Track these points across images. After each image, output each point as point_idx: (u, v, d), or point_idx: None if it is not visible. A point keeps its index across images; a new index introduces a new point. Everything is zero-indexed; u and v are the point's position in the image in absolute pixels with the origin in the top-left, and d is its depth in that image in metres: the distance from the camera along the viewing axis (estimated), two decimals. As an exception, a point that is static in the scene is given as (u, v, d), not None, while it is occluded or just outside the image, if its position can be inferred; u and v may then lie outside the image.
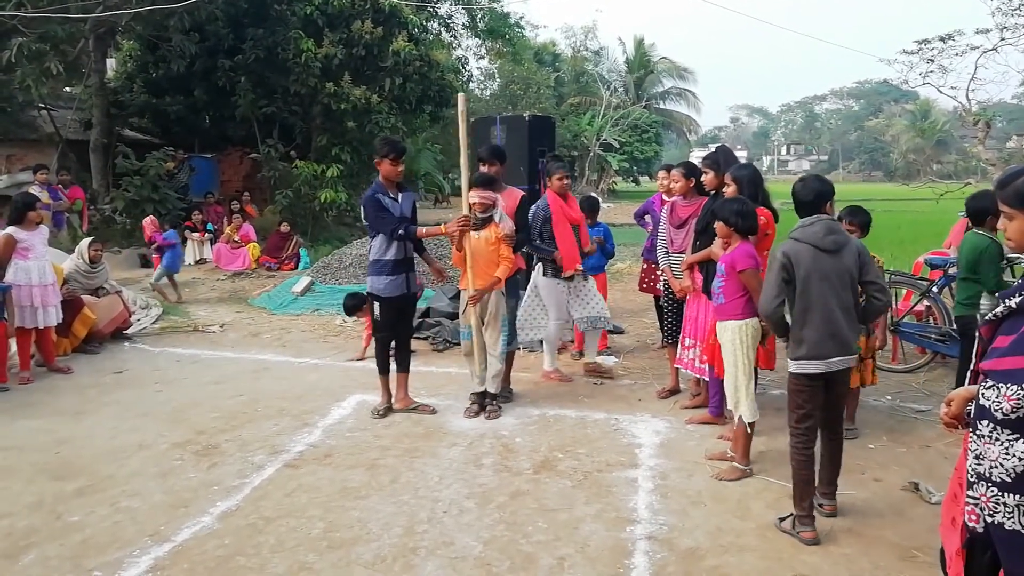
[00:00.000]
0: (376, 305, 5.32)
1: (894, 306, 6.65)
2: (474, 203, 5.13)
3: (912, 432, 5.01)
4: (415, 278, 5.42)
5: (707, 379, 5.20)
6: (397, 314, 5.36)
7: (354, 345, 7.33)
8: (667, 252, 5.58)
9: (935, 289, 6.32)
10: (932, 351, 6.38)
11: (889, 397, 5.77)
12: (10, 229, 6.38)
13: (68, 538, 3.58)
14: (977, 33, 13.78)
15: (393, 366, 5.44)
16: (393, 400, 5.44)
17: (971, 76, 13.55)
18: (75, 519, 3.77)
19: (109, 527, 3.68)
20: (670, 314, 5.75)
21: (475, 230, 5.17)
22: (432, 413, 5.39)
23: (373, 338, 5.56)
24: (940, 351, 6.27)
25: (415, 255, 5.50)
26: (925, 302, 6.50)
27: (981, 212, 4.73)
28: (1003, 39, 13.16)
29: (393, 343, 5.45)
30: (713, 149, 5.78)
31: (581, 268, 6.01)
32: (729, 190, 4.70)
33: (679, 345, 5.39)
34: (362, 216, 5.38)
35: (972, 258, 4.73)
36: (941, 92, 14.52)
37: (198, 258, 13.79)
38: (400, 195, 5.29)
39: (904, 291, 6.89)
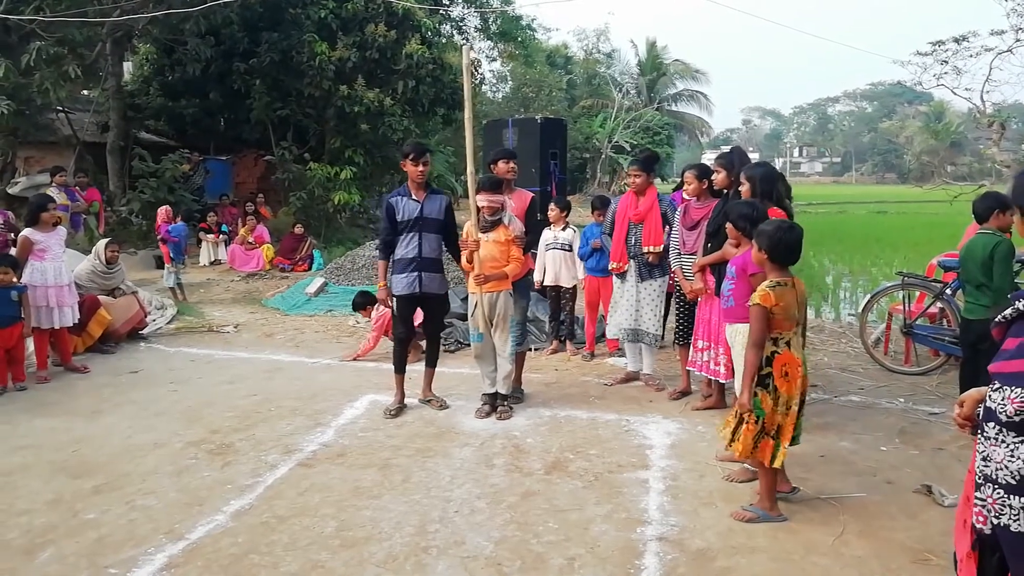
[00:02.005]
0: (394, 300, 5.45)
1: (907, 308, 6.63)
2: (482, 207, 5.15)
3: (925, 434, 4.99)
4: (433, 279, 5.39)
5: (720, 381, 5.21)
6: (411, 312, 5.49)
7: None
8: (679, 253, 5.58)
9: (948, 291, 6.29)
10: (945, 353, 6.35)
11: (902, 399, 5.75)
12: (27, 231, 6.47)
13: (84, 535, 3.62)
14: (992, 34, 13.68)
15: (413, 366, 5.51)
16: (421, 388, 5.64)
17: (986, 77, 13.45)
18: (91, 517, 3.82)
19: (125, 525, 3.73)
20: (681, 315, 5.75)
21: (484, 232, 5.19)
22: (441, 408, 5.49)
23: (384, 337, 5.62)
24: (953, 353, 6.23)
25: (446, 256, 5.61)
26: (938, 304, 6.46)
27: (989, 211, 4.72)
28: (1018, 40, 13.04)
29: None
30: (726, 151, 5.80)
31: (619, 266, 5.90)
32: (743, 189, 4.70)
33: (691, 347, 5.40)
34: None
35: (986, 256, 4.70)
36: (955, 94, 14.39)
37: (212, 259, 13.90)
38: (425, 196, 5.35)
39: (917, 293, 6.86)
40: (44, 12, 12.06)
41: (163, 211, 11.67)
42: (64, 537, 3.60)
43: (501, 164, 5.61)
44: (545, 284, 7.29)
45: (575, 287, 7.28)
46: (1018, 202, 2.29)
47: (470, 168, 5.17)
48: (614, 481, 4.24)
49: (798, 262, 3.80)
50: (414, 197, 5.34)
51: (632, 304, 5.88)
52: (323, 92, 15.42)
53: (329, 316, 9.18)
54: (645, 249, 5.76)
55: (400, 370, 5.51)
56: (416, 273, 5.31)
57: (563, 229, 7.22)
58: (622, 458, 4.57)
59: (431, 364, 5.65)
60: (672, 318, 6.18)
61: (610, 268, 6.03)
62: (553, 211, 7.28)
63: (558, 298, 7.33)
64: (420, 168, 5.30)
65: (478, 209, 5.15)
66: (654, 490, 4.11)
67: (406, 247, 5.30)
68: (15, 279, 6.15)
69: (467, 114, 5.18)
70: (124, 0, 12.97)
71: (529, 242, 5.54)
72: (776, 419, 3.63)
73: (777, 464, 3.64)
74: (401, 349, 5.53)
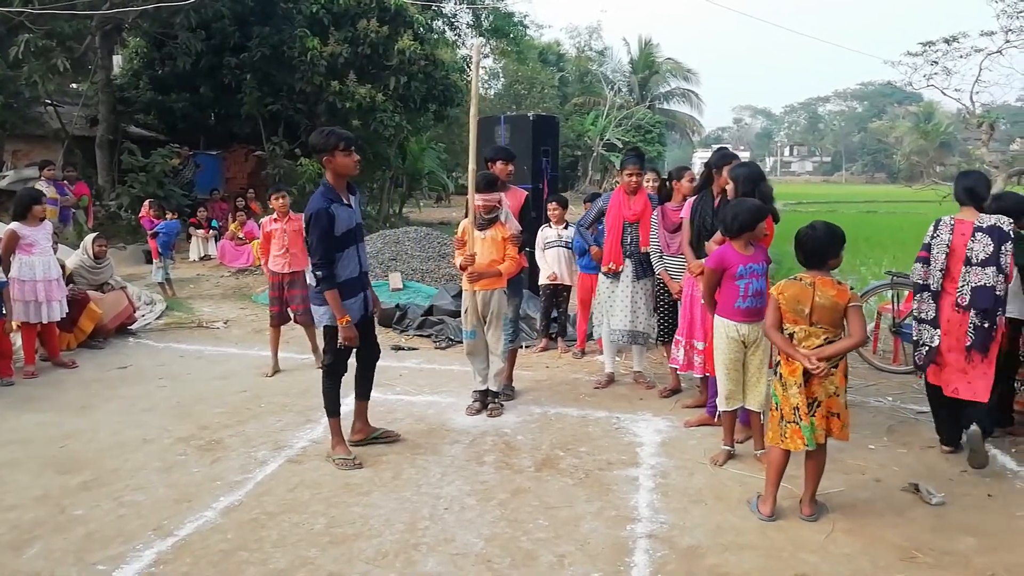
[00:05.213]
0: (333, 332, 4.47)
1: (896, 307, 6.67)
2: (478, 205, 5.14)
3: (913, 433, 5.02)
4: (373, 296, 4.65)
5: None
6: (361, 341, 4.53)
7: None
8: (661, 255, 5.62)
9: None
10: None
11: (890, 398, 5.79)
12: (14, 225, 6.41)
13: (72, 531, 3.60)
14: (982, 35, 13.74)
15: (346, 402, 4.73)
16: (351, 431, 4.72)
17: (975, 78, 13.51)
18: (79, 512, 3.80)
19: (113, 521, 3.71)
20: (664, 313, 5.79)
21: (480, 230, 5.18)
22: (397, 440, 4.79)
23: (324, 373, 4.59)
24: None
25: None
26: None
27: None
28: (1008, 41, 13.12)
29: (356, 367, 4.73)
30: (715, 149, 5.84)
31: (614, 267, 5.83)
32: (729, 187, 4.76)
33: (680, 346, 5.37)
34: (304, 231, 4.44)
35: None
36: (945, 94, 14.46)
37: (202, 255, 13.81)
38: (351, 198, 4.47)
39: (906, 292, 6.89)
40: (33, 4, 11.98)
41: (145, 206, 11.60)
42: (52, 533, 3.59)
43: (500, 164, 5.58)
44: (547, 281, 7.26)
45: (571, 286, 7.27)
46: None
47: (472, 166, 5.11)
48: (604, 478, 4.25)
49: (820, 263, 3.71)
50: (346, 202, 4.39)
51: (628, 305, 5.87)
52: (314, 87, 15.36)
53: (320, 312, 9.14)
54: (644, 250, 5.76)
55: (335, 413, 4.54)
56: (363, 293, 4.50)
57: (565, 227, 7.20)
58: (612, 456, 4.58)
59: (365, 396, 4.79)
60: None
61: (604, 269, 5.91)
62: (556, 210, 7.24)
63: (553, 296, 7.33)
64: (356, 158, 4.41)
65: (475, 207, 5.14)
66: (644, 487, 4.13)
67: (348, 265, 4.37)
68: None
69: (472, 111, 5.06)
70: (114, -7, 12.89)
71: (524, 240, 5.53)
72: (791, 402, 3.63)
73: (811, 444, 3.60)
74: (337, 387, 4.57)
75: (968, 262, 4.30)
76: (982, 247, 4.28)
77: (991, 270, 4.23)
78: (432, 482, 4.18)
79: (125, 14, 13.56)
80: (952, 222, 4.44)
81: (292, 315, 6.67)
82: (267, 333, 6.80)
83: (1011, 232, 4.28)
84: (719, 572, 3.28)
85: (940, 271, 4.40)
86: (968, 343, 4.29)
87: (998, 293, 4.24)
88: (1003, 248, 4.24)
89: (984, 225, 4.31)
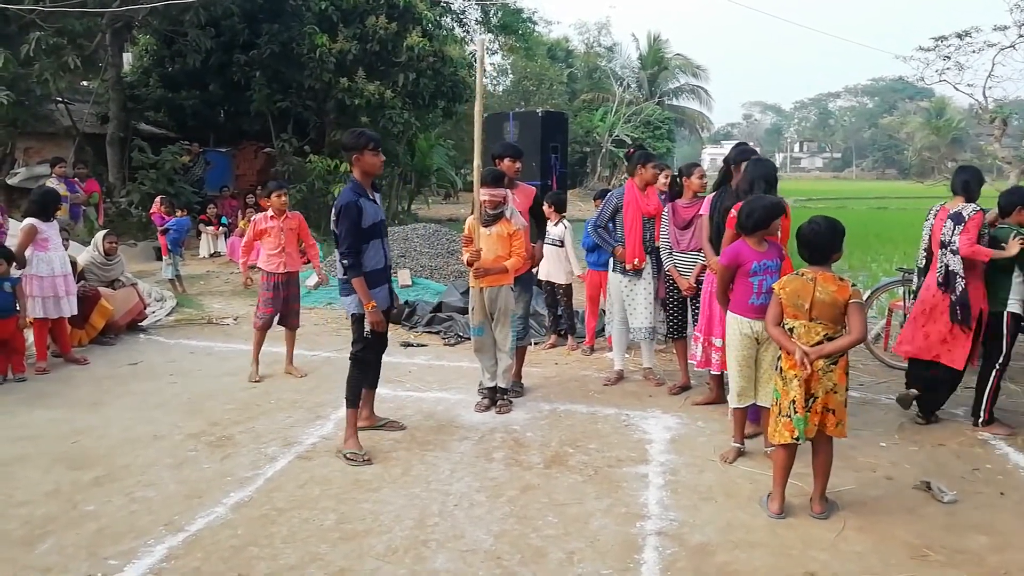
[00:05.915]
0: (361, 320, 4.64)
1: (907, 303, 6.62)
2: (484, 200, 5.13)
3: (924, 430, 4.99)
4: (391, 288, 4.89)
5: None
6: (383, 333, 4.75)
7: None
8: (671, 252, 5.61)
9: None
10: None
11: (902, 396, 5.75)
12: (32, 220, 6.45)
13: (84, 527, 3.62)
14: (995, 30, 13.66)
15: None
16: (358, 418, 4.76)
17: (988, 73, 13.44)
18: (91, 508, 3.82)
19: (124, 516, 3.73)
20: (674, 310, 5.77)
21: (485, 226, 5.17)
22: (401, 429, 4.98)
23: (353, 361, 4.68)
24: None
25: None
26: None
27: (1012, 206, 4.84)
28: (1021, 36, 13.03)
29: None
30: (735, 144, 5.84)
31: (638, 263, 5.74)
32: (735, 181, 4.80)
33: (708, 345, 5.32)
34: (333, 223, 4.58)
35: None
36: (957, 89, 14.41)
37: (212, 251, 13.87)
38: (376, 195, 4.76)
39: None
40: (44, 2, 12.04)
41: (157, 202, 11.67)
42: (64, 528, 3.61)
43: (508, 161, 5.52)
44: (539, 279, 7.25)
45: (570, 284, 7.24)
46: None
47: (476, 161, 5.10)
48: (613, 475, 4.24)
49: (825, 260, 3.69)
50: (371, 198, 4.64)
51: (650, 302, 5.84)
52: (323, 84, 15.39)
53: (329, 309, 9.18)
54: (657, 244, 5.77)
55: (355, 403, 4.62)
56: (386, 285, 4.77)
57: (555, 224, 7.17)
58: (622, 452, 4.57)
59: (373, 385, 4.95)
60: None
61: (629, 266, 5.77)
62: (545, 207, 7.23)
63: (553, 293, 7.32)
64: (383, 158, 4.70)
65: (480, 203, 5.13)
66: (654, 485, 4.12)
67: (375, 256, 4.61)
68: (15, 270, 6.14)
69: (477, 107, 5.04)
70: (124, -10, 12.93)
71: (535, 235, 5.53)
72: (790, 395, 3.62)
73: (800, 438, 3.60)
74: (363, 378, 4.73)
75: (943, 245, 4.86)
76: (949, 232, 4.83)
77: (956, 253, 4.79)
78: (441, 478, 4.18)
79: (135, 11, 13.60)
80: (938, 209, 5.02)
81: (281, 317, 6.40)
82: (276, 329, 6.64)
83: (967, 217, 4.72)
84: (729, 570, 3.27)
85: (924, 251, 5.10)
86: (949, 317, 4.82)
87: (951, 269, 4.79)
88: (955, 229, 4.77)
89: (953, 213, 4.84)
